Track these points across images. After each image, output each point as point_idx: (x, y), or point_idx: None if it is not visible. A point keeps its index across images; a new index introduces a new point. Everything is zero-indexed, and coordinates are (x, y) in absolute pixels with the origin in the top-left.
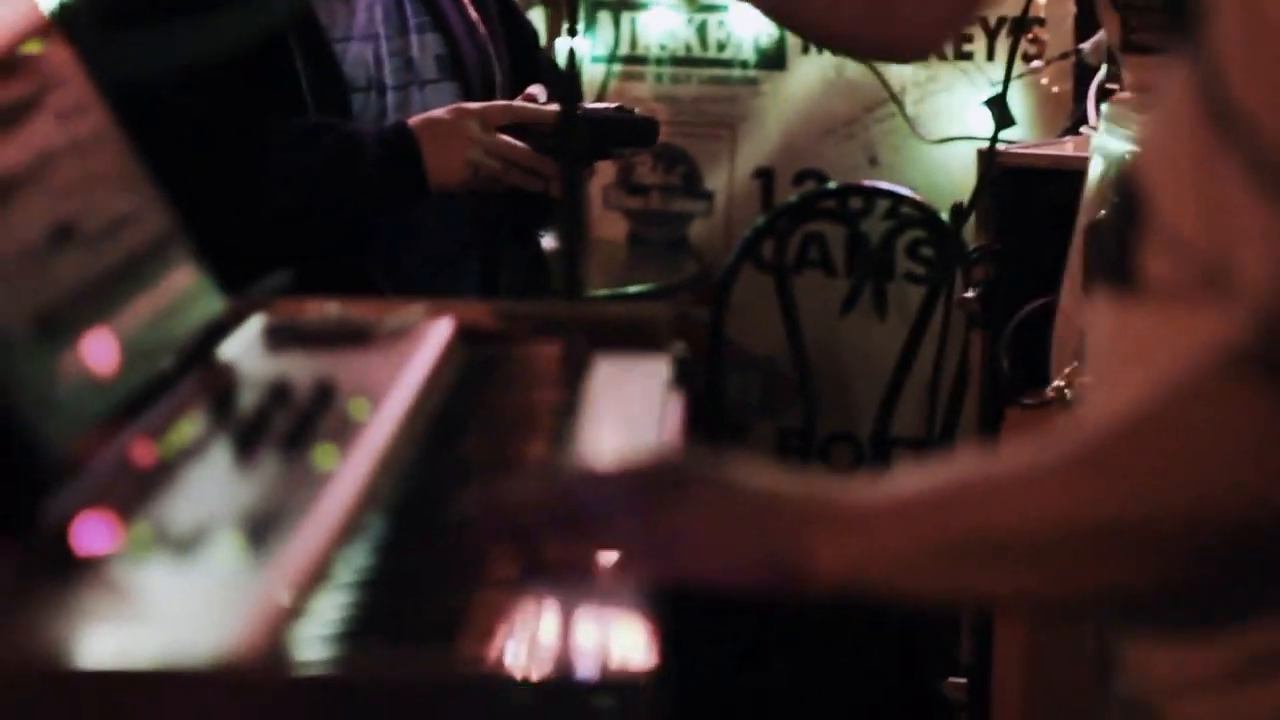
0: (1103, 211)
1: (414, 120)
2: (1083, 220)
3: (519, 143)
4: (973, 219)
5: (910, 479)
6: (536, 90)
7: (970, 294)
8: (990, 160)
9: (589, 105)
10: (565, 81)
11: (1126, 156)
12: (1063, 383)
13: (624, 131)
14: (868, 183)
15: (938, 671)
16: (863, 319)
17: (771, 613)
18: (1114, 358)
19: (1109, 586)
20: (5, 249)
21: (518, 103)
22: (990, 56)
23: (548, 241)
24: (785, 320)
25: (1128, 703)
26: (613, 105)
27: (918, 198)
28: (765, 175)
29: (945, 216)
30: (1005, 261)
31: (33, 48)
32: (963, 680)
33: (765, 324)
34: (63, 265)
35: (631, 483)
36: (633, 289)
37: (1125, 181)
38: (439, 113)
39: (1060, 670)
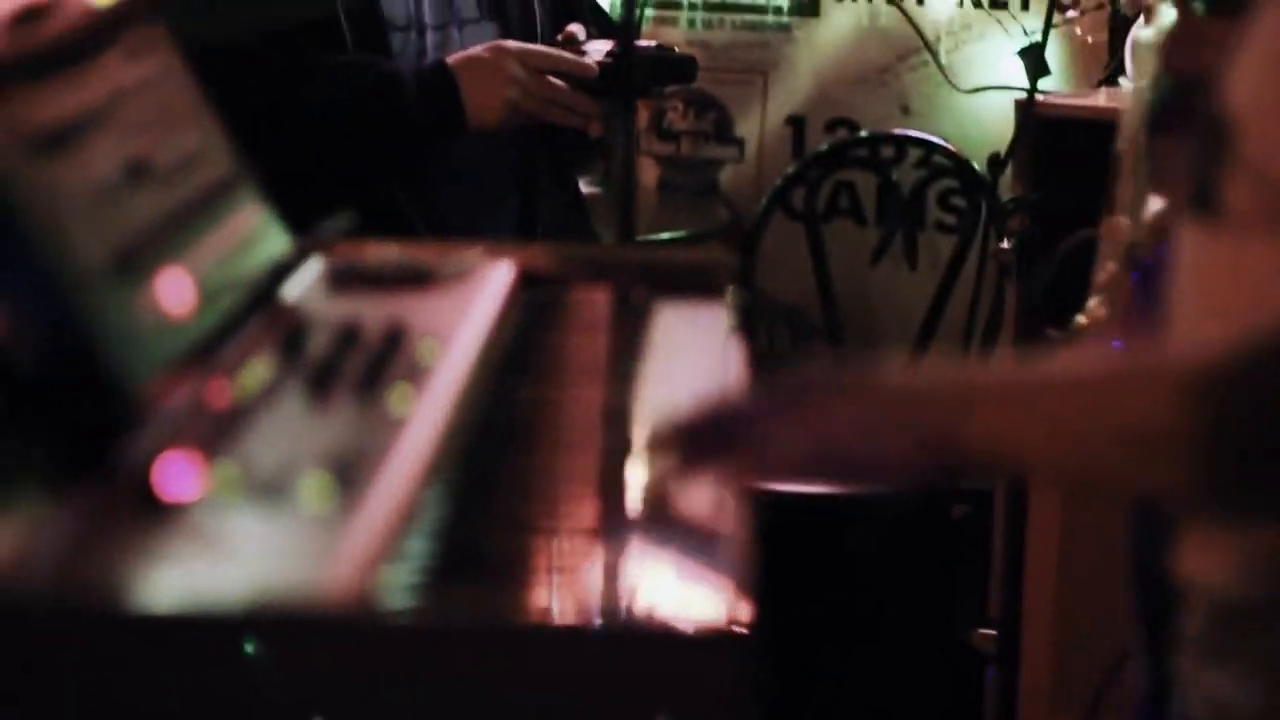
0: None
1: (453, 58)
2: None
3: (559, 81)
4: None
5: (1050, 364)
6: (576, 28)
7: (1005, 245)
8: (1028, 111)
9: (626, 44)
10: (622, 24)
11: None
12: (1098, 307)
13: (664, 69)
14: (899, 131)
15: (967, 622)
16: (893, 268)
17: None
18: (1196, 282)
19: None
20: (82, 186)
21: (558, 50)
22: (1025, 5)
23: (586, 186)
24: (815, 269)
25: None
26: (652, 44)
27: (950, 147)
28: (797, 123)
29: (978, 166)
30: (1040, 212)
31: None
32: (992, 632)
33: (795, 272)
34: (137, 203)
35: (780, 393)
36: (663, 236)
37: (1212, 114)
38: (478, 50)
39: (1090, 623)
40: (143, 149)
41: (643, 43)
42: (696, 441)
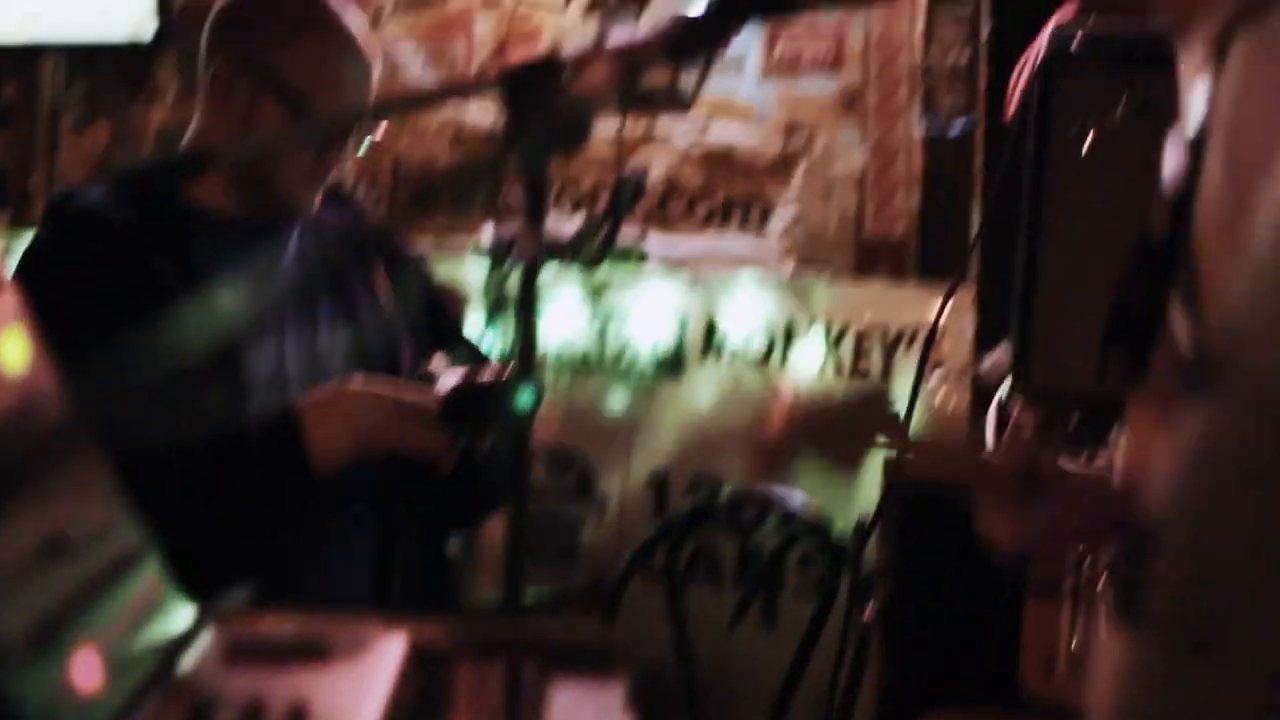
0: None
1: (299, 403)
2: None
3: (406, 422)
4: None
5: None
6: (435, 364)
7: (869, 611)
8: (891, 480)
9: (471, 375)
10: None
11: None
12: None
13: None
14: (761, 493)
15: None
16: (753, 631)
17: None
18: (1114, 683)
19: None
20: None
21: (404, 388)
22: (885, 374)
23: (449, 540)
24: (675, 631)
25: None
26: (504, 372)
27: (810, 513)
28: (660, 481)
29: (843, 526)
30: (903, 579)
31: (13, 352)
32: None
33: (655, 633)
34: (50, 579)
35: None
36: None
37: (1136, 524)
38: (323, 393)
39: None
40: (57, 524)
41: (485, 374)
42: None
